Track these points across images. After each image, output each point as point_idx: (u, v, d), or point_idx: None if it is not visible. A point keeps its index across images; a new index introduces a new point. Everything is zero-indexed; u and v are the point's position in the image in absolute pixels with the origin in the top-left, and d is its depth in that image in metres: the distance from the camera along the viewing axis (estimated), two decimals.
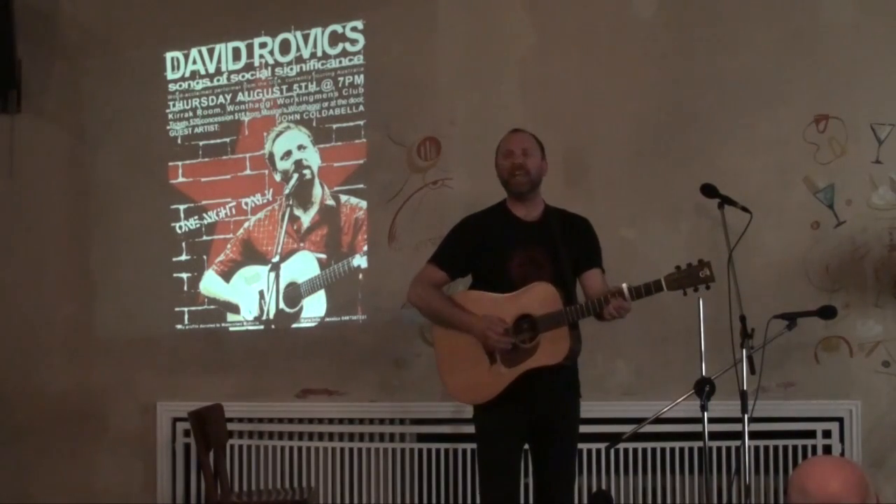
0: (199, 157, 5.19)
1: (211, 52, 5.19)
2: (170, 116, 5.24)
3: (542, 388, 3.48)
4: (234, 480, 4.83)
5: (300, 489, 4.65)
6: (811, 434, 4.37)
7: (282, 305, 5.03)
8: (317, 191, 5.01)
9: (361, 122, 4.94)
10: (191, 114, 5.21)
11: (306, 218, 5.02)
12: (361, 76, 4.95)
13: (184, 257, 5.17)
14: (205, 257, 5.15)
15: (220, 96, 5.17)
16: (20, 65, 5.27)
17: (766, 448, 4.36)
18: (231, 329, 5.11)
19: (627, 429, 3.79)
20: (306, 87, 5.04)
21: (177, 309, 5.16)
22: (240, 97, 5.14)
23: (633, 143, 4.61)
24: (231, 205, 5.12)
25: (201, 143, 5.19)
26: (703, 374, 3.62)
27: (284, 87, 5.08)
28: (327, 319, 4.96)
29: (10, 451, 5.26)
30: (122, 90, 5.27)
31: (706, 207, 4.13)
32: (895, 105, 4.38)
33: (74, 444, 5.20)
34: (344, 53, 4.99)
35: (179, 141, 5.22)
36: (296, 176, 5.05)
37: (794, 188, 4.44)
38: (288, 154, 5.07)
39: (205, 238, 5.15)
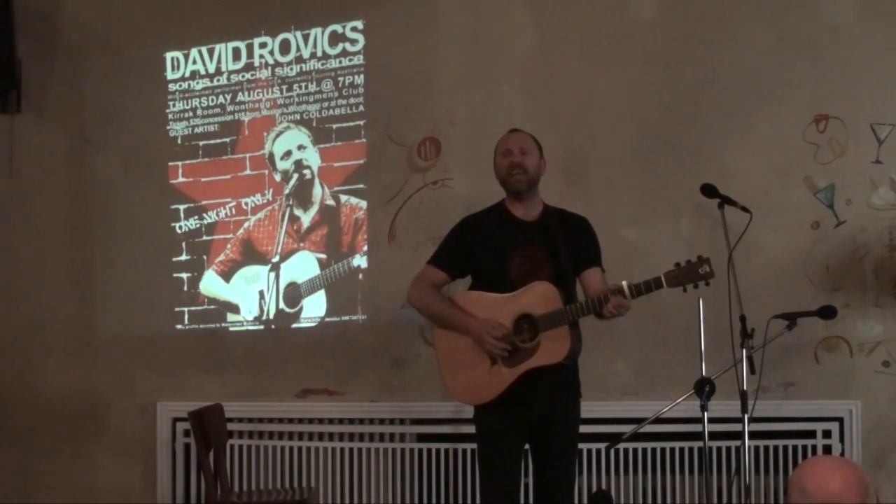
0: (199, 157, 5.18)
1: (211, 52, 5.19)
2: (170, 116, 5.24)
3: (543, 387, 3.48)
4: (234, 480, 4.83)
5: (300, 489, 4.65)
6: (811, 434, 4.37)
7: (282, 305, 5.03)
8: (317, 191, 5.01)
9: (361, 122, 4.94)
10: (191, 114, 5.21)
11: (306, 218, 5.02)
12: (361, 76, 4.95)
13: (184, 257, 5.17)
14: (205, 257, 5.15)
15: (220, 96, 5.17)
16: (20, 65, 5.27)
17: (766, 448, 4.37)
18: (231, 329, 5.11)
19: (627, 429, 3.79)
20: (306, 87, 5.04)
21: (177, 309, 5.16)
22: (240, 97, 5.14)
23: (633, 143, 4.61)
24: (231, 205, 5.12)
25: (201, 143, 5.19)
26: (703, 374, 3.63)
27: (284, 87, 5.08)
28: (327, 319, 4.96)
29: (11, 451, 5.26)
30: (122, 90, 5.27)
31: (706, 207, 4.13)
32: (895, 105, 4.38)
33: (74, 444, 5.20)
34: (344, 53, 4.99)
35: (179, 141, 5.22)
36: (296, 176, 5.05)
37: (794, 188, 4.44)
38: (288, 154, 5.07)
39: (205, 238, 5.15)
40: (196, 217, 5.16)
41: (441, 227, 3.95)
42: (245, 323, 5.09)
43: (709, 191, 3.97)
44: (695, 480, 4.44)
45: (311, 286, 4.98)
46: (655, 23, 4.62)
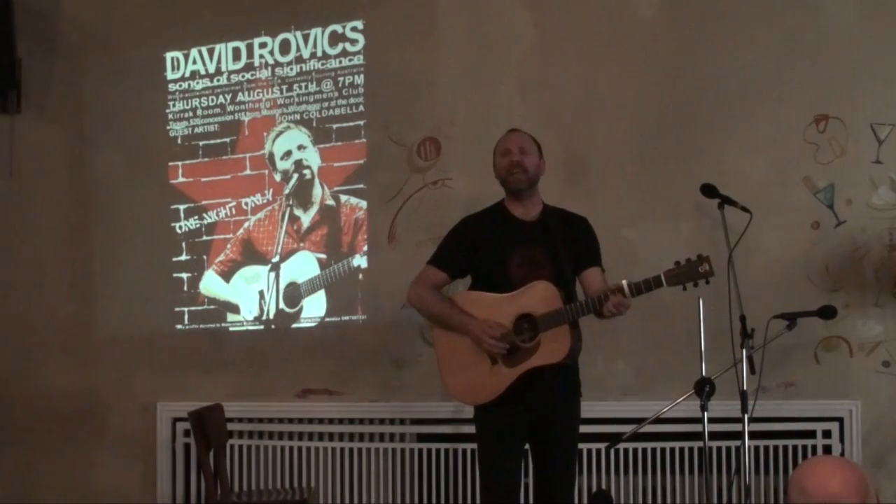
0: (199, 157, 5.18)
1: (211, 52, 5.19)
2: (170, 116, 5.24)
3: (543, 387, 3.48)
4: (234, 480, 4.83)
5: (300, 489, 4.65)
6: (811, 434, 4.37)
7: (282, 305, 5.03)
8: (317, 191, 5.01)
9: (361, 122, 4.94)
10: (191, 114, 5.21)
11: (306, 218, 5.02)
12: (361, 76, 4.95)
13: (184, 257, 5.17)
14: (205, 257, 5.15)
15: (220, 96, 5.17)
16: (20, 65, 5.27)
17: (766, 448, 4.36)
18: (231, 329, 5.11)
19: (627, 429, 3.79)
20: (306, 87, 5.04)
21: (177, 309, 5.16)
22: (240, 97, 5.14)
23: (633, 143, 4.61)
24: (231, 205, 5.12)
25: (201, 143, 5.19)
26: (703, 374, 3.62)
27: (284, 87, 5.08)
28: (327, 319, 4.96)
29: (11, 451, 5.26)
30: (122, 90, 5.27)
31: (706, 207, 4.13)
32: (895, 105, 4.38)
33: (74, 444, 5.20)
34: (344, 53, 4.99)
35: (179, 141, 5.22)
36: (296, 176, 5.05)
37: (794, 188, 4.44)
38: (288, 154, 5.07)
39: (205, 238, 5.15)
40: (196, 217, 5.16)
41: (441, 227, 3.95)
42: (245, 323, 5.09)
43: (709, 191, 3.97)
44: (695, 480, 4.44)
45: (311, 286, 4.98)
46: (655, 23, 4.62)
